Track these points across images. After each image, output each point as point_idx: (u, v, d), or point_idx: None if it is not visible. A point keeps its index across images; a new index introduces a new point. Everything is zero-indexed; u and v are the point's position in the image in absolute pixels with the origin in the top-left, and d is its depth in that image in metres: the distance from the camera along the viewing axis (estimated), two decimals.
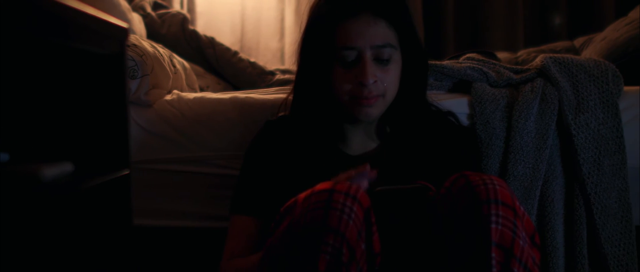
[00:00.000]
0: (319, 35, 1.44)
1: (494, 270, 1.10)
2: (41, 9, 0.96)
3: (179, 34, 2.63)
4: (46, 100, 1.25)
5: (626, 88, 1.74)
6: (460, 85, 1.80)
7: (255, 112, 1.79)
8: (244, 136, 1.71)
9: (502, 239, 1.11)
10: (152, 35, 2.59)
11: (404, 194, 1.27)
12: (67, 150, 1.25)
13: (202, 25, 3.42)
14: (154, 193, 1.84)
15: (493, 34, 3.60)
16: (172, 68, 2.02)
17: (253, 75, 2.60)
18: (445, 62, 1.84)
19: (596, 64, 1.73)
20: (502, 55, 2.53)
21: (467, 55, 1.98)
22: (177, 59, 2.17)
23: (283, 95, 1.70)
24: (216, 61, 2.62)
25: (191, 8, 3.44)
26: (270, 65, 2.98)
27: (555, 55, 1.81)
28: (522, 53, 2.69)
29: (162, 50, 2.04)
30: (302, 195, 1.17)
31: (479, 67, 1.80)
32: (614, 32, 2.34)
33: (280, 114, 1.63)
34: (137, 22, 2.52)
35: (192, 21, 3.33)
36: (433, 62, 1.79)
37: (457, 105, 1.69)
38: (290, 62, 3.38)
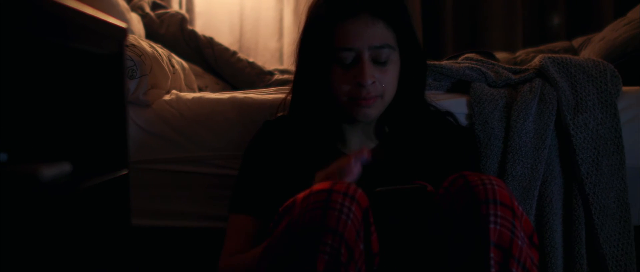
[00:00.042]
0: (317, 36, 1.45)
1: (492, 270, 1.10)
2: (40, 9, 0.96)
3: (177, 34, 2.63)
4: (45, 100, 1.25)
5: (625, 88, 1.74)
6: (459, 85, 1.80)
7: (253, 112, 1.79)
8: (243, 136, 1.71)
9: (500, 239, 1.11)
10: (150, 35, 2.59)
11: (402, 195, 1.27)
12: (65, 150, 1.25)
13: (201, 25, 3.42)
14: (152, 193, 1.84)
15: (492, 34, 3.60)
16: (170, 68, 2.02)
17: (252, 75, 2.60)
18: (444, 62, 1.84)
19: (595, 64, 1.73)
20: (500, 55, 2.53)
21: (466, 55, 1.98)
22: (176, 59, 2.17)
23: (282, 96, 1.70)
24: (215, 61, 2.62)
25: (190, 8, 3.44)
26: (269, 65, 2.98)
27: (554, 55, 1.81)
28: (520, 53, 2.70)
29: (161, 50, 2.04)
30: (301, 195, 1.17)
31: (478, 67, 1.80)
32: (612, 32, 2.34)
33: (279, 114, 1.63)
34: (135, 22, 2.52)
35: (191, 21, 3.33)
36: (432, 62, 1.79)
37: (456, 105, 1.69)
38: (288, 62, 3.38)
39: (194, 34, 2.64)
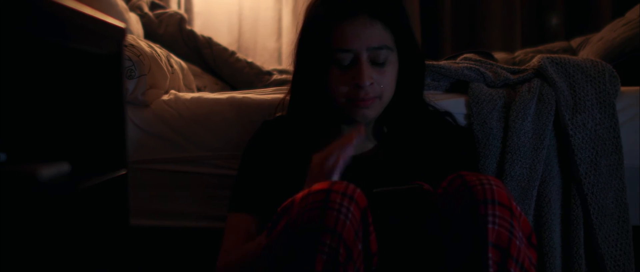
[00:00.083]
0: (315, 37, 1.44)
1: (490, 270, 1.10)
2: (38, 9, 0.96)
3: (176, 34, 2.63)
4: (43, 100, 1.25)
5: (623, 88, 1.74)
6: (458, 85, 1.80)
7: (252, 112, 1.79)
8: (241, 136, 1.71)
9: (498, 239, 1.11)
10: (149, 35, 2.59)
11: (400, 195, 1.27)
12: (64, 150, 1.25)
13: (200, 25, 3.42)
14: (151, 193, 1.84)
15: (490, 34, 3.60)
16: (169, 68, 2.02)
17: (250, 75, 2.60)
18: (443, 63, 1.84)
19: (593, 65, 1.73)
20: (499, 55, 2.53)
21: (465, 55, 1.98)
22: (175, 59, 2.17)
23: (280, 96, 1.70)
24: (213, 61, 2.62)
25: (188, 8, 3.44)
26: (268, 66, 2.98)
27: (553, 55, 1.81)
28: (519, 53, 2.70)
29: (160, 50, 2.04)
30: (299, 195, 1.17)
31: (476, 67, 1.80)
32: (611, 32, 2.34)
33: (277, 114, 1.63)
34: (134, 22, 2.52)
35: (190, 21, 3.33)
36: (430, 62, 1.79)
37: (455, 105, 1.69)
38: (287, 62, 3.38)
39: (192, 34, 2.64)
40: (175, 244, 1.86)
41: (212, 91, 2.26)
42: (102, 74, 1.24)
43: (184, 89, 2.14)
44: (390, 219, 1.26)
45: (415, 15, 3.50)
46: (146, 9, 2.70)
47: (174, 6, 3.24)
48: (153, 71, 1.87)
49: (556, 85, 1.69)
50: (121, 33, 1.25)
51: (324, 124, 1.50)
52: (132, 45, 1.85)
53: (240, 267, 1.37)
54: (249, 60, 2.69)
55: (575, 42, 2.71)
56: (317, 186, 1.17)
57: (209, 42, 2.65)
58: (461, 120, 1.68)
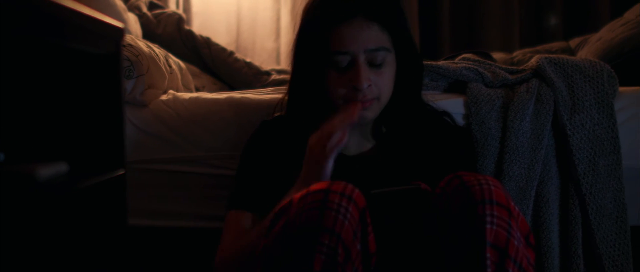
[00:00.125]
0: (312, 40, 1.44)
1: (488, 270, 1.10)
2: (37, 9, 0.96)
3: (174, 34, 2.63)
4: (42, 100, 1.25)
5: (621, 88, 1.75)
6: (456, 85, 1.80)
7: (250, 112, 1.79)
8: (240, 136, 1.71)
9: (496, 239, 1.11)
10: (147, 35, 2.59)
11: (398, 196, 1.27)
12: (62, 150, 1.25)
13: (198, 26, 3.42)
14: (149, 193, 1.83)
15: (489, 34, 3.60)
16: (167, 68, 2.02)
17: (249, 75, 2.60)
18: (441, 63, 1.84)
19: (591, 65, 1.73)
20: (497, 55, 2.54)
21: (463, 55, 1.98)
22: (173, 59, 2.17)
23: (279, 96, 1.70)
24: (212, 61, 2.62)
25: (187, 8, 3.44)
26: (266, 66, 2.98)
27: (551, 55, 1.81)
28: (517, 53, 2.70)
29: (158, 51, 2.04)
30: (298, 195, 1.17)
31: (475, 67, 1.80)
32: (609, 32, 2.35)
33: (276, 114, 1.63)
34: (132, 22, 2.52)
35: (188, 21, 3.33)
36: (428, 62, 1.79)
37: (453, 105, 1.70)
38: (286, 62, 3.38)
39: (191, 34, 2.64)
40: (174, 244, 1.86)
41: (210, 91, 2.26)
42: (101, 74, 1.24)
43: (183, 89, 2.14)
44: (388, 220, 1.26)
45: (414, 15, 3.51)
46: (144, 9, 2.70)
47: (172, 6, 3.24)
48: (151, 71, 1.87)
49: (554, 86, 1.69)
50: (119, 33, 1.25)
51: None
52: (130, 45, 1.85)
53: (236, 261, 1.37)
54: (248, 60, 2.69)
55: (573, 43, 2.71)
56: (315, 186, 1.17)
57: (207, 42, 2.65)
58: (459, 120, 1.68)
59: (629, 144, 1.70)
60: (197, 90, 2.34)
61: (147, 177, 1.82)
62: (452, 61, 1.93)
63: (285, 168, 1.48)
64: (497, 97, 1.70)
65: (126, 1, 2.67)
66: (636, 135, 1.72)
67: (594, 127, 1.65)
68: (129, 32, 2.36)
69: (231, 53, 2.65)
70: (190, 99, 1.87)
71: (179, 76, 2.14)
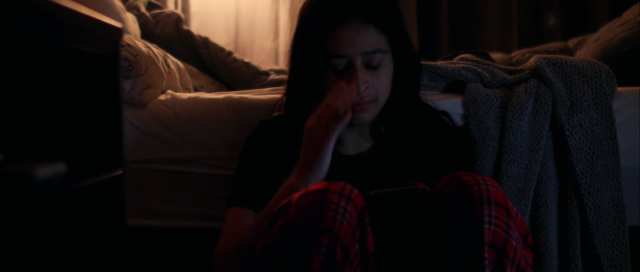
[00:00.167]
0: (309, 43, 1.44)
1: (486, 270, 1.10)
2: (35, 9, 0.96)
3: (173, 34, 2.63)
4: (40, 100, 1.25)
5: (620, 89, 1.75)
6: (454, 85, 1.80)
7: (249, 112, 1.79)
8: (238, 136, 1.71)
9: (494, 239, 1.11)
10: (146, 35, 2.59)
11: (396, 197, 1.27)
12: (60, 150, 1.25)
13: (196, 26, 3.42)
14: (147, 193, 1.83)
15: (487, 34, 3.61)
16: (166, 68, 2.02)
17: (247, 75, 2.60)
18: (439, 63, 1.84)
19: (590, 65, 1.74)
20: (496, 55, 2.54)
21: (461, 55, 1.98)
22: (171, 59, 2.17)
23: (277, 96, 1.69)
24: (210, 61, 2.62)
25: (185, 8, 3.44)
26: (265, 66, 2.98)
27: (549, 56, 1.81)
28: (516, 54, 2.70)
29: (156, 51, 2.04)
30: (296, 195, 1.17)
31: (473, 67, 1.80)
32: (607, 33, 2.35)
33: (274, 114, 1.63)
34: (131, 22, 2.52)
35: (186, 21, 3.33)
36: (427, 62, 1.79)
37: (451, 105, 1.70)
38: (284, 62, 3.38)
39: (189, 34, 2.64)
40: (172, 244, 1.86)
41: (209, 91, 2.26)
42: (99, 74, 1.24)
43: (181, 89, 2.14)
44: (387, 220, 1.26)
45: (413, 16, 3.51)
46: (143, 9, 2.70)
47: (171, 6, 3.24)
48: (150, 71, 1.87)
49: (553, 86, 1.69)
50: (118, 33, 1.25)
51: None
52: (129, 45, 1.85)
53: (235, 255, 1.37)
54: (246, 60, 2.69)
55: (572, 43, 2.71)
56: (314, 186, 1.17)
57: (205, 42, 2.65)
58: (458, 120, 1.68)
59: (628, 144, 1.70)
60: (196, 90, 2.34)
61: (146, 177, 1.82)
62: (450, 61, 1.93)
63: (285, 167, 1.47)
64: (496, 97, 1.70)
65: (125, 1, 2.67)
66: (634, 135, 1.72)
67: (592, 128, 1.65)
68: (128, 32, 2.36)
69: (230, 53, 2.65)
70: (189, 99, 1.87)
71: (178, 76, 2.14)
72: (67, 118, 1.25)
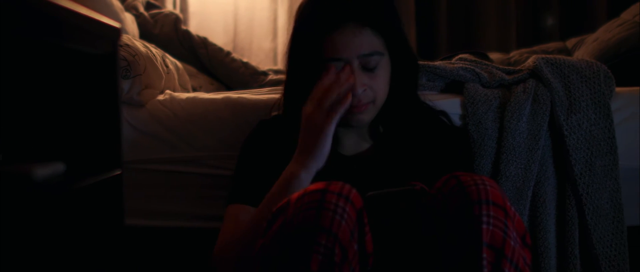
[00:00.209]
0: (305, 47, 1.44)
1: (485, 270, 1.10)
2: (34, 9, 0.96)
3: (171, 34, 2.63)
4: (38, 100, 1.25)
5: (618, 89, 1.75)
6: (453, 85, 1.80)
7: (247, 112, 1.79)
8: (237, 136, 1.71)
9: (493, 239, 1.11)
10: (144, 35, 2.59)
11: (394, 197, 1.27)
12: (59, 150, 1.25)
13: (195, 26, 3.42)
14: (146, 193, 1.83)
15: (486, 34, 3.61)
16: (164, 68, 2.02)
17: (246, 75, 2.60)
18: (438, 63, 1.84)
19: (588, 65, 1.74)
20: (494, 56, 2.54)
21: (460, 55, 1.98)
22: (170, 59, 2.17)
23: (276, 96, 1.69)
24: (209, 61, 2.62)
25: (184, 8, 3.44)
26: (263, 66, 2.98)
27: (548, 56, 1.81)
28: (514, 54, 2.70)
29: (155, 50, 2.04)
30: (295, 195, 1.17)
31: (472, 67, 1.80)
32: (606, 33, 2.35)
33: (273, 114, 1.63)
34: (129, 22, 2.51)
35: (185, 21, 3.33)
36: (425, 62, 1.79)
37: (450, 105, 1.70)
38: (283, 62, 3.34)
39: (187, 34, 2.64)
40: (170, 244, 1.86)
41: (207, 91, 2.26)
42: (98, 74, 1.24)
43: (180, 89, 2.14)
44: (385, 221, 1.26)
45: (411, 16, 3.51)
46: (141, 9, 2.70)
47: (169, 6, 3.24)
48: (148, 71, 1.87)
49: (551, 86, 1.69)
50: (116, 33, 1.25)
51: None
52: (127, 45, 1.85)
53: (234, 250, 1.37)
54: (245, 60, 2.69)
55: (570, 43, 2.71)
56: (312, 186, 1.17)
57: (204, 42, 2.64)
58: (456, 120, 1.68)
59: (626, 145, 1.70)
60: (194, 90, 2.34)
61: (144, 177, 1.82)
62: (449, 61, 1.93)
63: (284, 165, 1.47)
64: (494, 97, 1.70)
65: (123, 1, 2.67)
66: (633, 135, 1.72)
67: (591, 128, 1.65)
68: (126, 32, 2.36)
69: (228, 53, 2.65)
70: (187, 99, 1.87)
71: (176, 76, 2.14)
72: (66, 118, 1.25)
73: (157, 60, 1.97)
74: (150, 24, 2.65)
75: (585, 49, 2.41)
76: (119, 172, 1.27)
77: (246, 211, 1.44)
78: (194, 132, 1.81)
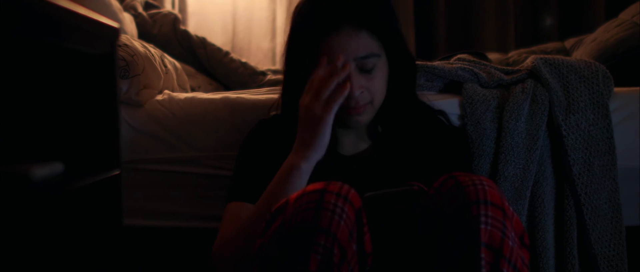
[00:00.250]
0: (302, 49, 1.44)
1: (483, 270, 1.10)
2: (32, 9, 0.95)
3: (170, 34, 2.63)
4: (37, 99, 1.25)
5: (616, 89, 1.75)
6: (451, 86, 1.80)
7: (246, 112, 1.79)
8: (235, 136, 1.71)
9: (491, 239, 1.11)
10: (143, 35, 2.58)
11: (392, 198, 1.27)
12: (57, 150, 1.25)
13: (194, 26, 3.42)
14: (144, 193, 1.83)
15: (484, 34, 3.61)
16: (163, 68, 2.02)
17: (244, 75, 2.59)
18: (436, 63, 1.84)
19: (586, 65, 1.74)
20: (493, 56, 2.54)
21: (458, 56, 1.98)
22: (169, 59, 2.17)
23: (274, 96, 1.69)
24: (207, 61, 2.62)
25: (182, 8, 3.44)
26: (262, 66, 2.98)
27: (546, 56, 1.81)
28: (513, 54, 2.70)
29: (154, 51, 2.04)
30: (294, 195, 1.17)
31: (470, 67, 1.80)
32: (604, 33, 2.35)
33: (272, 114, 1.63)
34: (128, 22, 2.51)
35: (184, 21, 3.33)
36: (424, 62, 1.79)
37: (448, 105, 1.70)
38: (281, 63, 3.36)
39: (186, 34, 2.64)
40: (169, 244, 1.86)
41: (206, 91, 2.26)
42: (96, 74, 1.24)
43: (178, 89, 2.14)
44: (384, 222, 1.26)
45: (410, 16, 3.51)
46: (140, 9, 2.70)
47: (168, 6, 3.24)
48: (147, 71, 1.87)
49: (550, 86, 1.69)
50: (115, 33, 1.25)
51: None
52: (126, 45, 1.85)
53: (233, 246, 1.37)
54: (243, 60, 2.69)
55: (568, 43, 2.71)
56: (311, 186, 1.17)
57: (203, 42, 2.64)
58: (455, 120, 1.69)
59: (624, 145, 1.70)
60: (193, 90, 2.34)
61: (143, 177, 1.82)
62: (447, 61, 1.93)
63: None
64: (493, 97, 1.70)
65: (122, 1, 2.67)
66: (631, 135, 1.72)
67: (589, 128, 1.65)
68: (125, 32, 2.36)
69: (227, 53, 2.65)
70: (186, 99, 1.87)
71: (175, 76, 2.14)
72: (64, 118, 1.25)
73: (155, 60, 1.97)
74: (148, 24, 2.65)
75: (583, 49, 2.41)
76: (117, 172, 1.27)
77: (246, 208, 1.44)
78: (193, 132, 1.81)
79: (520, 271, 1.13)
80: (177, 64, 2.26)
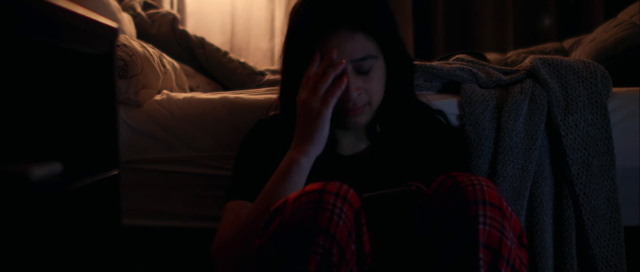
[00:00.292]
0: (298, 52, 1.44)
1: (481, 270, 1.10)
2: (31, 9, 0.95)
3: (169, 34, 2.63)
4: (36, 99, 1.25)
5: (615, 89, 1.75)
6: (450, 86, 1.80)
7: (245, 112, 1.79)
8: (234, 136, 1.71)
9: (489, 239, 1.11)
10: (142, 35, 2.58)
11: (391, 198, 1.27)
12: (56, 150, 1.25)
13: (192, 26, 3.41)
14: (143, 193, 1.83)
15: (483, 34, 3.61)
16: (162, 68, 2.02)
17: (243, 75, 2.59)
18: (435, 63, 1.84)
19: (585, 65, 1.74)
20: (491, 56, 2.54)
21: (457, 56, 1.98)
22: (167, 59, 2.17)
23: (273, 96, 1.70)
24: (206, 61, 2.62)
25: (181, 8, 3.44)
26: (261, 66, 2.97)
27: (545, 56, 1.81)
28: (511, 54, 2.70)
29: (152, 51, 2.04)
30: (293, 195, 1.17)
31: (469, 68, 1.80)
32: (603, 33, 2.35)
33: (271, 114, 1.63)
34: (127, 22, 2.51)
35: (182, 21, 3.32)
36: (422, 62, 1.79)
37: (447, 105, 1.70)
38: (280, 63, 3.37)
39: (185, 34, 2.64)
40: (168, 244, 1.86)
41: (204, 91, 2.26)
42: (95, 74, 1.24)
43: (177, 89, 2.14)
44: (382, 222, 1.26)
45: (408, 16, 3.51)
46: (139, 9, 2.70)
47: (166, 6, 3.24)
48: (145, 71, 1.87)
49: (548, 86, 1.69)
50: (114, 33, 1.25)
51: None
52: (124, 45, 1.85)
53: (232, 243, 1.37)
54: (242, 60, 2.69)
55: (567, 43, 2.72)
56: (310, 186, 1.17)
57: (201, 42, 2.64)
58: (454, 120, 1.69)
59: (623, 145, 1.70)
60: (191, 90, 2.34)
61: (142, 177, 1.82)
62: (446, 62, 1.93)
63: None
64: (491, 97, 1.70)
65: (120, 1, 2.67)
66: (630, 135, 1.72)
67: (588, 128, 1.66)
68: (123, 32, 2.36)
69: (225, 53, 2.65)
70: (185, 99, 1.87)
71: (173, 76, 2.14)
72: (63, 118, 1.25)
73: (154, 60, 1.97)
74: (147, 24, 2.65)
75: (582, 49, 2.41)
76: (116, 172, 1.27)
77: (245, 207, 1.44)
78: (191, 132, 1.81)
79: (519, 271, 1.13)
80: (176, 64, 2.26)
